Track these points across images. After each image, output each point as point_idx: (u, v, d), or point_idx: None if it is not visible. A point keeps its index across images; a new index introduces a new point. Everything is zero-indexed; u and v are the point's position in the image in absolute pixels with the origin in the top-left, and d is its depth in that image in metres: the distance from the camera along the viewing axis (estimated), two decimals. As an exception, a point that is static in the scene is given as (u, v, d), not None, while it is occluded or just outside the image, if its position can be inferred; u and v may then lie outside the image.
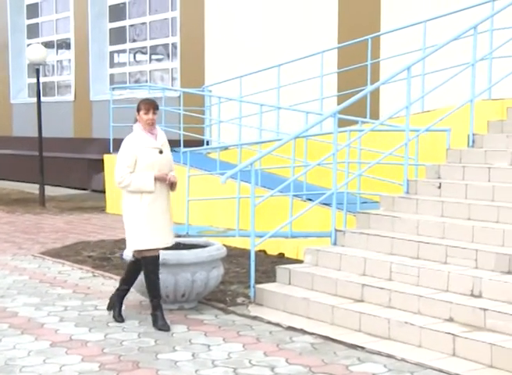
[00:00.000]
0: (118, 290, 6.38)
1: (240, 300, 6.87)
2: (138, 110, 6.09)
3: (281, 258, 8.41)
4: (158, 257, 6.13)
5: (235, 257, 8.38)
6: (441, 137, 8.17)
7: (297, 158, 9.12)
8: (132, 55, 18.37)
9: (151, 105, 6.07)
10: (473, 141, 7.88)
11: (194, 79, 14.97)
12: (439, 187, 7.34)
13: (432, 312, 5.73)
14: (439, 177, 7.59)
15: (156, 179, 6.03)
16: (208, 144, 13.28)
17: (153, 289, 6.13)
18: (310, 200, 8.77)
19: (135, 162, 6.01)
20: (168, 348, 5.57)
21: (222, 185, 7.20)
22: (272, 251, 8.71)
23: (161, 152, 6.11)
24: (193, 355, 5.42)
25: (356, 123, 9.35)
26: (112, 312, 6.32)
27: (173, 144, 12.88)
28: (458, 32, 8.04)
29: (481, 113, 8.15)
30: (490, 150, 7.57)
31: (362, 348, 5.54)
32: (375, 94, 10.89)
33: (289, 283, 6.86)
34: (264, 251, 8.68)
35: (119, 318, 6.24)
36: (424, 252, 6.45)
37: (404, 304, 5.93)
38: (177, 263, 6.52)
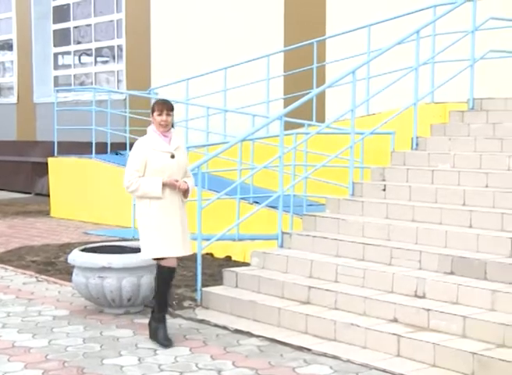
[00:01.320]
0: (159, 311, 5.85)
1: (186, 303, 6.84)
2: (152, 111, 5.80)
3: (228, 261, 8.41)
4: (173, 268, 5.81)
5: (182, 260, 8.31)
6: (385, 140, 8.28)
7: (244, 161, 9.13)
8: (77, 57, 18.15)
9: (164, 106, 5.76)
10: (416, 144, 8.00)
11: (140, 81, 14.87)
12: (384, 190, 7.43)
13: (377, 313, 5.79)
14: (383, 180, 7.68)
15: (165, 185, 5.69)
16: (154, 147, 13.16)
17: (162, 301, 5.84)
18: (257, 203, 8.79)
19: (145, 166, 5.70)
20: (114, 353, 5.51)
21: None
22: (219, 254, 8.70)
23: (172, 157, 5.75)
24: (139, 360, 5.38)
25: (302, 125, 9.40)
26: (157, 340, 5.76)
27: (119, 147, 12.92)
28: (401, 36, 8.16)
29: (425, 116, 8.28)
30: (433, 152, 7.69)
31: (308, 349, 5.57)
32: (321, 97, 10.97)
33: (236, 286, 6.86)
34: (211, 255, 8.66)
35: (168, 342, 5.70)
36: (370, 254, 6.51)
37: (350, 305, 5.98)
38: (123, 267, 6.47)
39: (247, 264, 7.43)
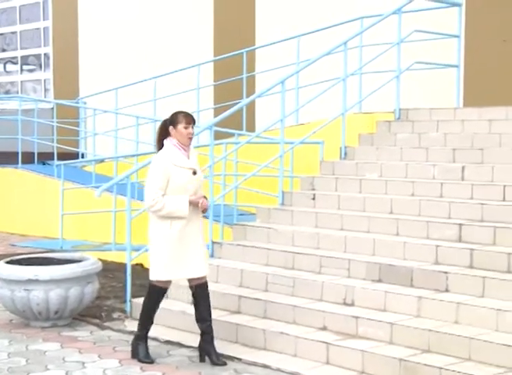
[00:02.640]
0: (141, 330, 5.69)
1: (116, 315, 6.75)
2: (175, 123, 5.43)
3: (158, 272, 8.32)
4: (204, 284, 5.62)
5: (111, 271, 8.23)
6: (315, 150, 8.36)
7: (174, 171, 9.07)
8: (1, 65, 17.75)
9: (190, 118, 5.48)
10: (345, 153, 8.11)
11: (68, 90, 14.65)
12: (313, 199, 7.50)
13: (306, 321, 5.83)
14: (313, 189, 7.76)
15: (190, 204, 5.43)
16: (83, 156, 13.01)
17: (205, 320, 5.59)
18: (187, 212, 8.73)
19: (167, 184, 5.41)
20: (41, 368, 5.39)
21: (97, 199, 7.06)
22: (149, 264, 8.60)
23: (194, 173, 5.49)
24: (66, 374, 5.28)
25: (232, 135, 9.42)
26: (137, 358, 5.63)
27: (47, 157, 12.68)
28: (330, 47, 8.27)
29: (353, 126, 8.40)
30: (361, 162, 7.81)
31: (239, 359, 5.57)
32: (251, 107, 11.01)
33: (167, 297, 6.79)
34: (141, 265, 8.56)
35: (147, 359, 5.57)
36: (299, 263, 6.56)
37: (280, 314, 6.01)
38: (50, 279, 6.34)
39: (177, 274, 7.37)
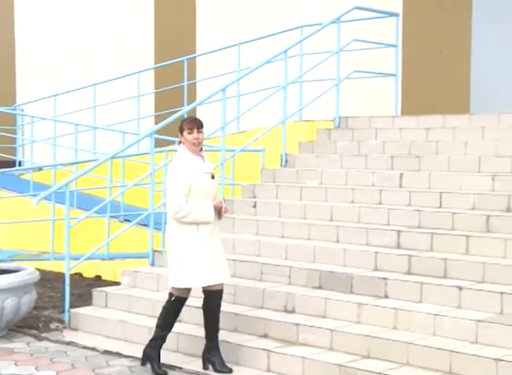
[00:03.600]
0: (155, 339, 5.52)
1: (53, 325, 6.64)
2: (181, 130, 5.43)
3: (98, 281, 8.24)
4: (221, 291, 5.53)
5: (49, 281, 8.10)
6: (256, 157, 8.38)
7: (114, 179, 8.99)
8: None
9: (194, 123, 5.42)
10: (286, 161, 8.15)
11: (5, 97, 14.35)
12: (254, 206, 7.51)
13: (247, 329, 5.83)
14: (254, 197, 7.77)
15: (214, 208, 5.41)
16: (20, 164, 12.77)
17: (216, 325, 5.51)
18: (127, 221, 8.66)
19: (189, 190, 5.33)
20: (-25, 381, 5.26)
21: (35, 207, 6.94)
22: (89, 273, 8.50)
23: (213, 177, 5.48)
24: (2, 386, 5.16)
25: (173, 143, 9.37)
26: (147, 366, 5.52)
27: (-17, 164, 12.40)
28: (270, 55, 8.31)
29: (293, 134, 8.45)
30: (302, 170, 7.86)
31: (180, 368, 5.53)
32: (192, 114, 10.97)
33: (106, 306, 6.72)
34: (80, 274, 8.46)
35: (160, 370, 5.47)
36: (241, 270, 6.55)
37: (221, 322, 5.96)
38: (-15, 290, 6.20)
39: (117, 283, 7.30)
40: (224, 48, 10.42)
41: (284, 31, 9.63)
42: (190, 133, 5.41)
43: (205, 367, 5.50)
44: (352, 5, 8.59)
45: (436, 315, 5.26)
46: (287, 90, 8.20)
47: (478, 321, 5.07)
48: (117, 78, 11.51)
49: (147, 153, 7.83)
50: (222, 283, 5.53)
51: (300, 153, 8.26)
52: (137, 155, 9.21)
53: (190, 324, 6.09)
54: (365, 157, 7.64)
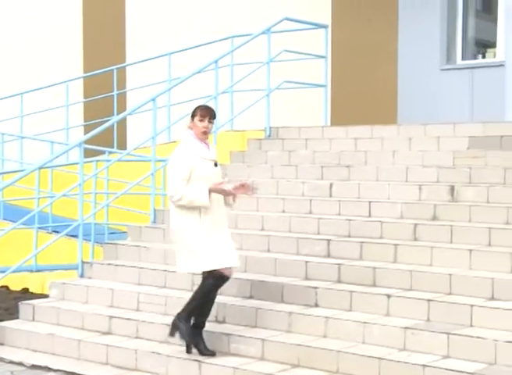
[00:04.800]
0: (189, 311, 5.42)
1: (-21, 340, 6.46)
2: (193, 116, 5.46)
3: (25, 294, 8.07)
4: (228, 277, 5.48)
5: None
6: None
7: (42, 190, 8.83)
8: None
9: (208, 112, 5.44)
10: (216, 171, 8.12)
11: None
12: (185, 216, 7.47)
13: (178, 340, 5.78)
14: (185, 206, 7.72)
15: (211, 191, 5.34)
16: None
17: (210, 308, 5.52)
18: (56, 232, 8.51)
19: (190, 175, 5.33)
20: None
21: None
22: (16, 286, 8.32)
23: (216, 165, 5.50)
24: None
25: (103, 153, 9.27)
26: (175, 337, 5.46)
27: None
28: (201, 65, 8.32)
29: (224, 144, 8.46)
30: (233, 179, 7.84)
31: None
32: (122, 124, 10.89)
33: (34, 320, 6.58)
34: (6, 287, 8.27)
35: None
36: (172, 281, 6.51)
37: (152, 333, 5.94)
38: None
39: (46, 296, 7.17)
40: (154, 58, 10.37)
41: (215, 41, 9.66)
42: (201, 121, 5.43)
43: (188, 351, 5.51)
44: (282, 16, 8.67)
45: (365, 323, 5.33)
46: (218, 100, 8.21)
47: (406, 328, 5.15)
48: (45, 87, 11.31)
49: (76, 163, 7.72)
50: (231, 271, 5.49)
51: (231, 163, 8.27)
52: (66, 165, 9.08)
53: (119, 336, 6.01)
54: (295, 167, 7.71)
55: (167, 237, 7.20)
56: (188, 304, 5.49)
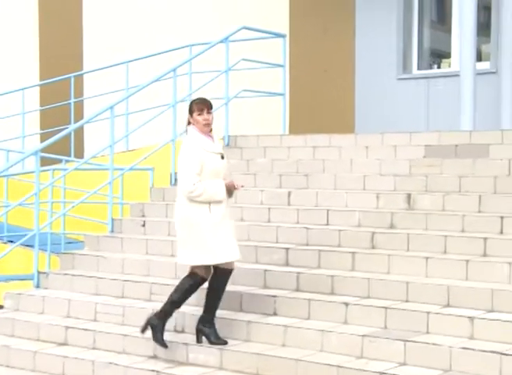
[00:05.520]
0: (163, 312, 5.52)
1: None
2: (191, 112, 5.52)
3: (-20, 305, 7.92)
4: (231, 270, 5.58)
5: None
6: (145, 176, 8.31)
7: (-3, 199, 8.71)
8: None
9: (204, 104, 5.49)
10: (175, 179, 8.09)
11: None
12: (144, 225, 7.44)
13: (136, 350, 5.75)
14: (143, 215, 7.70)
15: (226, 187, 5.48)
16: None
17: (219, 301, 5.57)
18: (11, 242, 8.39)
19: (201, 170, 5.37)
20: None
21: None
22: (-30, 297, 8.17)
23: (222, 158, 5.55)
24: None
25: (59, 161, 9.17)
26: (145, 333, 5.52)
27: None
28: (159, 74, 8.29)
29: (183, 153, 8.42)
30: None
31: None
32: (79, 132, 10.81)
33: (-15, 331, 6.48)
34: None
35: (163, 342, 5.49)
36: (130, 291, 6.47)
37: (109, 344, 5.88)
38: None
39: (0, 307, 7.05)
40: (112, 66, 10.31)
41: (173, 50, 9.63)
42: (199, 115, 5.50)
43: (199, 340, 5.53)
44: (241, 25, 8.70)
45: (324, 331, 5.35)
46: (176, 108, 8.19)
47: (364, 336, 5.19)
48: (0, 94, 11.16)
49: (32, 172, 7.62)
50: (234, 263, 5.59)
51: (190, 171, 8.23)
52: (22, 173, 8.95)
53: (76, 347, 5.94)
54: (254, 175, 7.72)
55: (121, 247, 7.16)
56: (167, 302, 5.55)
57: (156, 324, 5.49)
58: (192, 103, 5.60)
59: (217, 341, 5.50)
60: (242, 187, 5.70)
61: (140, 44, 11.20)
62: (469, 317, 5.07)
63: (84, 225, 8.61)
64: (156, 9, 11.34)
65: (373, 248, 6.23)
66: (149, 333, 5.81)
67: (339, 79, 10.01)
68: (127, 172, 8.06)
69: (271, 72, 9.20)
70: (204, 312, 5.58)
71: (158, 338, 5.47)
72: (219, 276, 5.54)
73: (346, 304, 5.55)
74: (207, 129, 5.53)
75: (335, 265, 6.11)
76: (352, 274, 5.92)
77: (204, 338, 5.55)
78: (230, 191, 5.59)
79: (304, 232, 6.56)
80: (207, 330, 5.53)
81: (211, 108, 5.59)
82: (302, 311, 5.69)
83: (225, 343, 5.49)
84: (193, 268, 5.54)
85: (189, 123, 5.60)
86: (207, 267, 5.51)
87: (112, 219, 7.60)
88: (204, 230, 5.41)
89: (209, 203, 5.43)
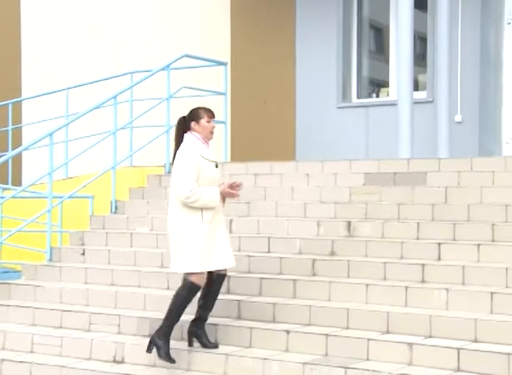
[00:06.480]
0: (163, 329, 5.45)
1: None
2: (198, 118, 5.57)
3: None
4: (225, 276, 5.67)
5: None
6: (85, 204, 8.22)
7: None
8: None
9: (212, 113, 5.65)
10: (116, 208, 8.04)
11: None
12: (83, 254, 7.34)
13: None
14: (82, 244, 7.60)
15: (221, 194, 5.56)
16: None
17: (212, 305, 5.65)
18: None
19: (198, 176, 5.43)
20: None
21: None
22: None
23: (217, 166, 5.63)
24: None
25: (-4, 189, 9.01)
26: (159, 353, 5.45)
27: None
28: (100, 101, 8.24)
29: (123, 180, 8.38)
30: (132, 216, 7.78)
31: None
32: (17, 159, 10.64)
33: None
34: None
35: (169, 358, 5.43)
36: (68, 321, 6.36)
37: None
38: None
39: None
40: (52, 92, 10.20)
41: (114, 77, 9.59)
42: (208, 122, 5.62)
43: (190, 344, 5.62)
44: (182, 52, 8.72)
45: (265, 359, 5.33)
46: (117, 135, 8.14)
47: (305, 363, 5.18)
48: None
49: (-33, 200, 7.47)
50: (226, 270, 5.69)
51: (131, 199, 8.19)
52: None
53: None
54: (195, 203, 7.68)
55: (60, 276, 7.03)
56: (166, 317, 5.51)
57: (160, 343, 5.46)
58: (199, 110, 5.66)
59: (209, 343, 5.60)
60: (240, 187, 5.75)
61: (80, 70, 11.12)
62: (408, 343, 5.12)
63: (22, 254, 8.46)
64: (98, 36, 11.29)
65: (314, 275, 6.26)
66: (85, 364, 5.73)
67: (280, 107, 10.11)
68: (67, 200, 7.96)
69: (212, 99, 9.23)
70: (198, 315, 5.65)
71: (163, 356, 5.44)
72: (215, 279, 5.62)
73: (288, 331, 5.55)
74: (211, 136, 5.68)
75: (276, 292, 6.11)
76: (293, 302, 5.93)
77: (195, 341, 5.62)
78: (224, 198, 5.69)
79: (246, 260, 6.55)
80: (199, 332, 5.63)
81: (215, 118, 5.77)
82: (243, 339, 5.66)
83: (216, 347, 5.60)
84: (186, 276, 5.53)
85: (184, 131, 5.63)
86: (200, 275, 5.51)
87: (51, 248, 7.48)
88: (197, 237, 5.46)
89: (201, 210, 5.49)
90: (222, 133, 9.09)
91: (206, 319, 5.67)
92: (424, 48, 9.44)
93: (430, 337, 5.24)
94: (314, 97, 9.93)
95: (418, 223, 6.43)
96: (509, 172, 6.81)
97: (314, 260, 6.31)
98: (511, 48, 8.86)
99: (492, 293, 5.38)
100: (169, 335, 5.49)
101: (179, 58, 8.60)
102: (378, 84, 10.19)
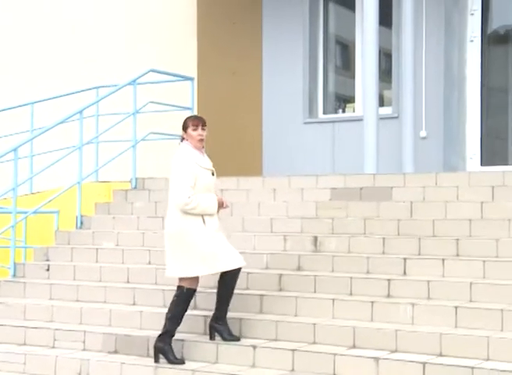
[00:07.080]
0: (165, 333, 5.58)
1: None
2: (185, 128, 5.73)
3: None
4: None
5: None
6: (50, 219, 8.14)
7: None
8: None
9: (199, 121, 5.75)
10: (81, 223, 7.98)
11: None
12: (48, 270, 7.27)
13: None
14: (47, 259, 7.53)
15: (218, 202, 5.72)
16: None
17: (230, 297, 5.78)
18: None
19: (194, 184, 5.55)
20: None
21: None
22: None
23: (213, 174, 5.77)
24: None
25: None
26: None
27: None
28: (65, 115, 8.19)
29: (89, 195, 8.32)
30: (98, 231, 7.73)
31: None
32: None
33: None
34: None
35: (177, 360, 5.56)
36: (32, 338, 6.30)
37: (10, 394, 5.68)
38: None
39: None
40: (17, 107, 10.10)
41: (80, 91, 9.54)
42: (194, 130, 5.72)
43: (212, 337, 5.71)
44: (149, 67, 8.71)
45: (232, 375, 5.32)
46: (83, 150, 8.09)
47: (272, 379, 5.19)
48: None
49: None
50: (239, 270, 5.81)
51: (96, 214, 8.13)
52: None
53: None
54: (162, 218, 7.62)
55: (24, 292, 6.95)
56: (167, 324, 5.60)
57: (165, 349, 5.55)
58: (186, 119, 5.82)
59: (230, 337, 5.67)
60: (227, 206, 5.95)
61: (46, 84, 11.03)
62: (374, 358, 5.15)
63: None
64: (64, 50, 11.23)
65: (281, 290, 6.26)
66: None
67: (246, 122, 10.13)
68: (31, 215, 7.88)
69: (179, 114, 9.21)
70: (217, 309, 5.76)
71: (172, 360, 5.54)
72: (230, 275, 5.72)
73: (254, 347, 5.54)
74: (200, 144, 5.76)
75: (243, 308, 6.10)
76: (260, 317, 5.93)
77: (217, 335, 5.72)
78: (219, 206, 5.78)
79: (212, 275, 6.53)
80: (220, 327, 5.71)
81: (205, 125, 5.81)
82: (210, 355, 5.65)
83: (239, 339, 5.69)
84: (180, 282, 5.65)
85: (182, 139, 5.80)
86: (192, 279, 5.64)
87: (15, 264, 7.40)
88: (201, 242, 5.58)
89: (202, 216, 5.62)
90: (189, 148, 9.07)
91: (224, 313, 5.77)
92: (390, 64, 9.54)
93: (396, 351, 5.27)
94: (281, 112, 9.98)
95: (384, 238, 6.47)
96: (473, 187, 6.90)
97: (280, 275, 6.32)
98: (474, 65, 8.99)
99: (456, 307, 5.44)
100: (171, 340, 5.62)
101: (145, 74, 8.59)
102: (344, 100, 10.27)
